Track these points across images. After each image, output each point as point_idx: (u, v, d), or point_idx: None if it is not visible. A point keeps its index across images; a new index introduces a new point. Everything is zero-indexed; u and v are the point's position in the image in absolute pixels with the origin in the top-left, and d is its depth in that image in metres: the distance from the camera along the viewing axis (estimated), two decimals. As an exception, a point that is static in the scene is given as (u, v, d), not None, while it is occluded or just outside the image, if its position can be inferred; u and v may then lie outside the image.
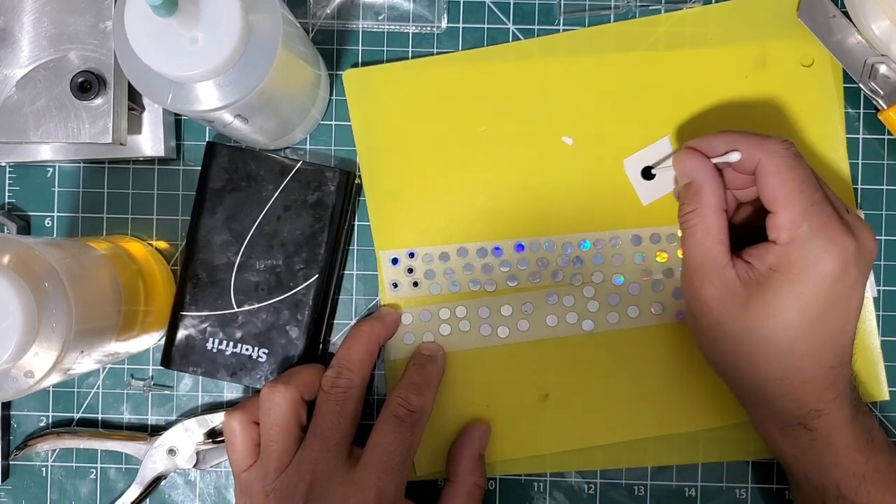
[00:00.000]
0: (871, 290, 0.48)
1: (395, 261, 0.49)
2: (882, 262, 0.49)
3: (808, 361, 0.41)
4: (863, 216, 0.47)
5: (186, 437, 0.49)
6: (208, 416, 0.49)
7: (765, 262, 0.41)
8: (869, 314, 0.49)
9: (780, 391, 0.41)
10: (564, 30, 0.49)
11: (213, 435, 0.49)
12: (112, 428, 0.50)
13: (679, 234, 0.48)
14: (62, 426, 0.50)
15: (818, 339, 0.41)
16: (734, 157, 0.42)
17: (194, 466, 0.49)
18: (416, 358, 0.47)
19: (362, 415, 0.46)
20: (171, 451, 0.49)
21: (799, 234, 0.40)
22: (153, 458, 0.49)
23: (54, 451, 0.50)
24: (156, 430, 0.50)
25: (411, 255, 0.49)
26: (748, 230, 0.44)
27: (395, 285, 0.49)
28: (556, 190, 0.49)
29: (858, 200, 0.49)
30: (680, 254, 0.48)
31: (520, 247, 0.49)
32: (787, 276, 0.40)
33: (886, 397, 0.49)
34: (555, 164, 0.49)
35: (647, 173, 0.48)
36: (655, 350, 0.48)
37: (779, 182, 0.40)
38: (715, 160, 0.43)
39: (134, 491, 0.49)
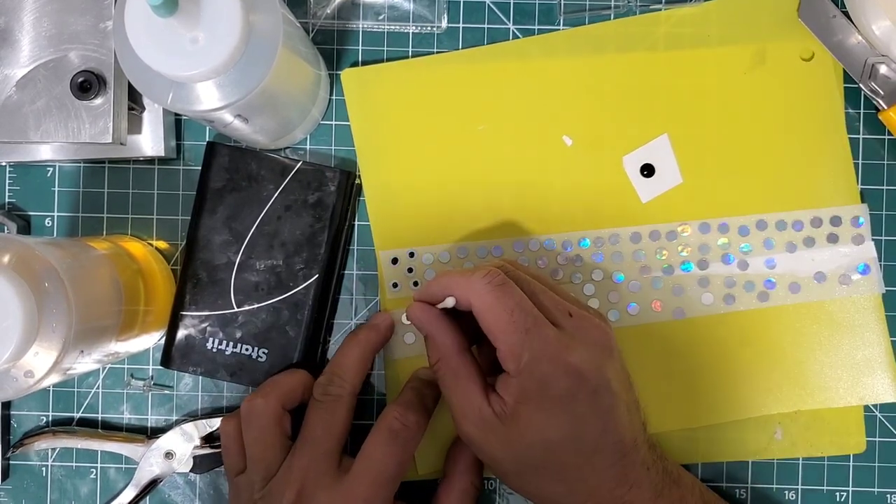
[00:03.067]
0: (880, 288, 0.48)
1: (395, 261, 0.49)
2: (884, 263, 0.49)
3: (585, 471, 0.41)
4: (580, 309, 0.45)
5: (183, 440, 0.49)
6: (206, 421, 0.49)
7: (510, 395, 0.41)
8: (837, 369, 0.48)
9: (580, 499, 0.41)
10: (564, 30, 0.49)
11: (210, 440, 0.49)
12: (112, 427, 0.50)
13: (679, 231, 0.48)
14: (62, 426, 0.50)
15: (587, 448, 0.41)
16: (450, 302, 0.42)
17: (191, 470, 0.49)
18: (413, 381, 0.47)
19: (358, 414, 0.46)
20: (168, 455, 0.49)
21: (524, 366, 0.40)
22: (150, 460, 0.49)
23: (53, 450, 0.50)
24: (156, 431, 0.50)
25: (411, 254, 0.49)
26: None
27: (396, 285, 0.49)
28: (556, 188, 0.49)
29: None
30: (681, 250, 0.48)
31: (519, 245, 0.49)
32: (529, 405, 0.40)
33: (863, 449, 0.49)
34: (554, 162, 0.49)
35: (646, 171, 0.48)
36: (655, 347, 0.48)
37: (490, 318, 0.41)
38: (439, 306, 0.43)
39: (129, 493, 0.49)
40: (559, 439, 0.40)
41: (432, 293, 0.43)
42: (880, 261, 0.49)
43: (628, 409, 0.42)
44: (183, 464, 0.49)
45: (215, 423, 0.49)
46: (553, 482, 0.41)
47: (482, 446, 0.42)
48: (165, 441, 0.49)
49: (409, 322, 0.44)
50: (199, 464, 0.49)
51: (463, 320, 0.43)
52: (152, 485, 0.49)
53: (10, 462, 0.50)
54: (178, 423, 0.50)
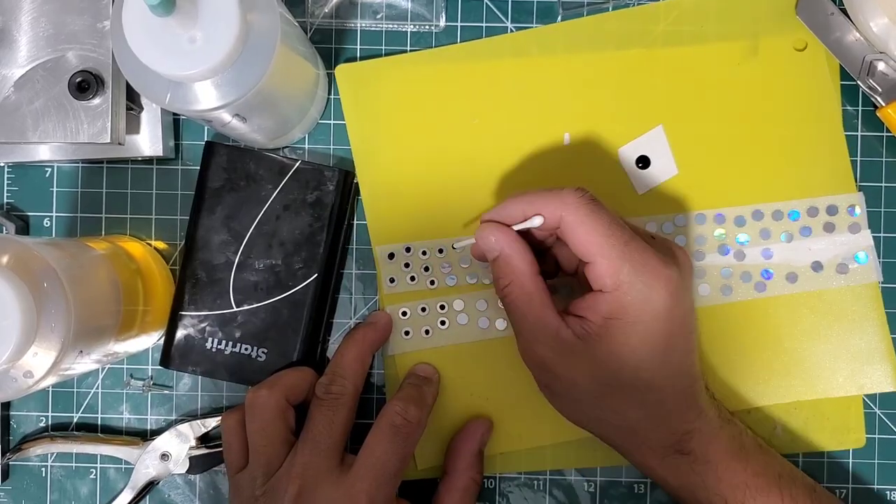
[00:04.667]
0: (877, 275, 0.48)
1: (391, 256, 0.49)
2: (882, 260, 0.49)
3: (667, 392, 0.41)
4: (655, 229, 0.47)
5: (179, 441, 0.49)
6: (201, 421, 0.49)
7: (598, 313, 0.40)
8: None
9: (650, 427, 0.42)
10: (561, 23, 0.49)
11: (206, 440, 0.49)
12: (112, 427, 0.50)
13: (676, 222, 0.48)
14: (61, 426, 0.50)
15: (671, 368, 0.41)
16: (537, 221, 0.41)
17: (187, 472, 0.49)
18: (412, 377, 0.47)
19: (359, 413, 0.46)
20: (164, 456, 0.49)
21: (622, 279, 0.40)
22: (146, 462, 0.49)
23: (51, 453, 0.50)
24: (155, 432, 0.50)
25: (408, 249, 0.49)
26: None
27: (392, 280, 0.49)
28: (551, 181, 0.49)
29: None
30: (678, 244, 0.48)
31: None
32: (624, 320, 0.40)
33: (863, 444, 0.49)
34: (549, 155, 0.49)
35: (642, 162, 0.48)
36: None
37: (587, 232, 0.40)
38: (519, 227, 0.42)
39: (127, 496, 0.49)
40: (650, 357, 0.40)
41: (510, 213, 0.42)
42: (880, 257, 0.49)
43: (696, 339, 0.42)
44: (179, 465, 0.49)
45: (211, 423, 0.49)
46: (633, 405, 0.41)
47: (558, 370, 0.41)
48: (161, 443, 0.49)
49: (458, 248, 0.43)
50: (196, 464, 0.49)
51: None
52: (150, 486, 0.49)
53: (10, 462, 0.50)
54: (173, 424, 0.49)
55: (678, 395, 0.42)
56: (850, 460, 0.49)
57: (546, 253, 0.45)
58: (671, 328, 0.40)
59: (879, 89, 0.47)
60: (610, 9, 0.49)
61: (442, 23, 0.49)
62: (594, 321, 0.40)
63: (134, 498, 0.49)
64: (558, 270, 0.45)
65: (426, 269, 0.49)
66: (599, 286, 0.40)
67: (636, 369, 0.40)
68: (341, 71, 0.49)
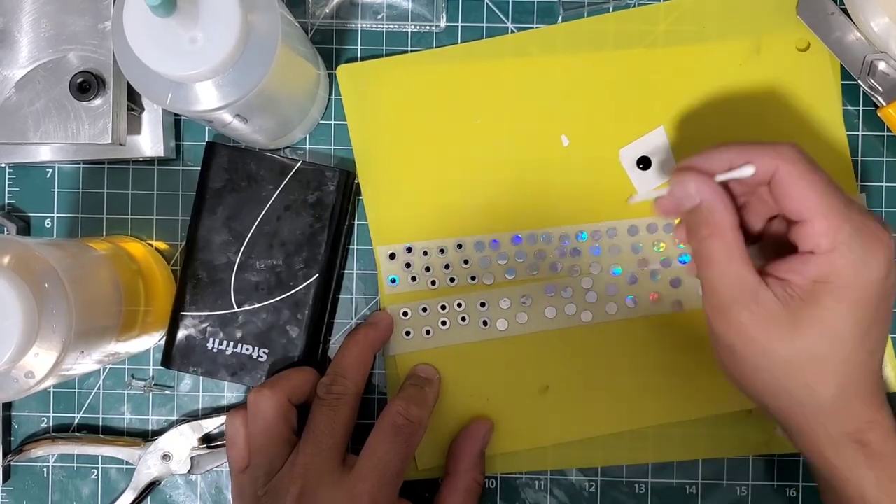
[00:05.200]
0: None
1: (392, 256, 0.49)
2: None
3: (861, 371, 0.38)
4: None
5: (181, 442, 0.49)
6: (203, 422, 0.49)
7: (805, 276, 0.38)
8: None
9: (835, 408, 0.39)
10: (562, 24, 0.49)
11: (208, 440, 0.49)
12: (113, 428, 0.50)
13: (676, 223, 0.48)
14: (63, 427, 0.50)
15: (870, 346, 0.38)
16: (748, 170, 0.38)
17: (188, 472, 0.49)
18: (413, 378, 0.47)
19: (360, 414, 0.46)
20: (166, 457, 0.49)
21: (841, 240, 0.37)
22: (147, 463, 0.49)
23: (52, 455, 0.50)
24: (157, 432, 0.50)
25: (409, 249, 0.49)
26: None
27: (394, 280, 0.49)
28: (553, 181, 0.49)
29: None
30: (680, 243, 0.48)
31: (517, 239, 0.49)
32: (836, 285, 0.37)
33: None
34: (551, 156, 0.49)
35: (643, 163, 0.48)
36: (654, 340, 0.48)
37: (805, 187, 0.38)
38: (723, 177, 0.39)
39: (128, 496, 0.49)
40: (855, 328, 0.37)
41: (715, 161, 0.39)
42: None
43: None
44: (181, 465, 0.49)
45: (212, 423, 0.49)
46: (828, 379, 0.38)
47: (753, 333, 0.38)
48: (162, 443, 0.49)
49: (633, 202, 0.41)
50: (198, 465, 0.49)
51: None
52: (152, 487, 0.49)
53: (12, 463, 0.50)
54: (174, 424, 0.49)
55: (869, 375, 0.39)
56: (852, 460, 0.49)
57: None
58: (880, 300, 0.37)
59: (880, 89, 0.47)
60: (611, 9, 0.49)
61: (443, 23, 0.49)
62: (800, 284, 0.38)
63: (136, 498, 0.49)
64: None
65: (427, 269, 0.49)
66: (812, 246, 0.37)
67: (840, 339, 0.37)
68: (343, 71, 0.49)
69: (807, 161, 0.38)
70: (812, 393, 0.39)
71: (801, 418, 0.40)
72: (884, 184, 0.49)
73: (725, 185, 0.40)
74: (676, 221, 0.48)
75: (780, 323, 0.38)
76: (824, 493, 0.41)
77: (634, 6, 0.49)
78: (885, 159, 0.49)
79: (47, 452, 0.49)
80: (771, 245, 0.42)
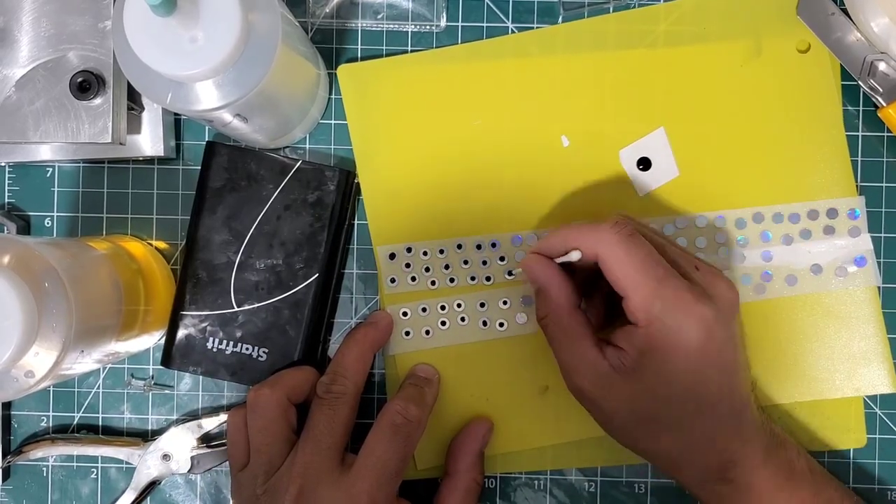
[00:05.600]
0: (876, 280, 0.48)
1: (392, 256, 0.49)
2: (882, 260, 0.49)
3: (704, 423, 0.41)
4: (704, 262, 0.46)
5: (181, 442, 0.49)
6: (202, 421, 0.49)
7: (632, 346, 0.41)
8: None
9: (688, 456, 0.42)
10: (563, 24, 0.49)
11: (208, 440, 0.49)
12: (113, 427, 0.50)
13: (677, 223, 0.48)
14: (63, 426, 0.50)
15: (707, 401, 0.41)
16: (575, 256, 0.42)
17: (189, 471, 0.49)
18: (412, 378, 0.47)
19: (359, 413, 0.46)
20: (166, 457, 0.49)
21: (654, 315, 0.40)
22: (147, 463, 0.49)
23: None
24: (156, 431, 0.50)
25: (409, 249, 0.49)
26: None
27: (393, 280, 0.49)
28: (553, 182, 0.49)
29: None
30: (678, 243, 0.48)
31: (517, 239, 0.49)
32: (655, 356, 0.40)
33: (864, 444, 0.49)
34: (551, 156, 0.49)
35: (643, 164, 0.48)
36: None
37: (620, 268, 0.41)
38: (560, 260, 0.43)
39: (129, 496, 0.49)
40: (683, 391, 0.41)
41: (552, 246, 0.43)
42: (880, 258, 0.49)
43: (743, 367, 0.43)
44: (181, 465, 0.49)
45: (211, 422, 0.49)
46: (669, 435, 0.42)
47: (596, 400, 0.42)
48: (162, 443, 0.49)
49: (515, 274, 0.45)
50: (198, 464, 0.49)
51: (571, 275, 0.44)
52: (152, 486, 0.49)
53: (11, 462, 0.50)
54: (174, 424, 0.49)
55: (717, 425, 0.42)
56: (851, 460, 0.49)
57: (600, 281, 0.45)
58: (704, 363, 0.41)
59: (880, 89, 0.47)
60: (611, 9, 0.49)
61: (443, 23, 0.49)
62: (630, 353, 0.41)
63: (136, 498, 0.49)
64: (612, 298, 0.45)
65: (427, 269, 0.49)
66: (633, 320, 0.41)
67: (669, 402, 0.41)
68: (343, 71, 0.49)
69: (625, 242, 0.41)
70: (662, 446, 0.42)
71: (664, 466, 0.44)
72: (884, 184, 0.49)
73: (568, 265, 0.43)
74: (677, 222, 0.48)
75: (618, 389, 0.41)
76: None
77: (635, 6, 0.49)
78: (885, 160, 0.49)
79: (46, 454, 0.49)
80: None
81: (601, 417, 0.43)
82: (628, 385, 0.41)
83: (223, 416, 0.49)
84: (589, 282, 0.45)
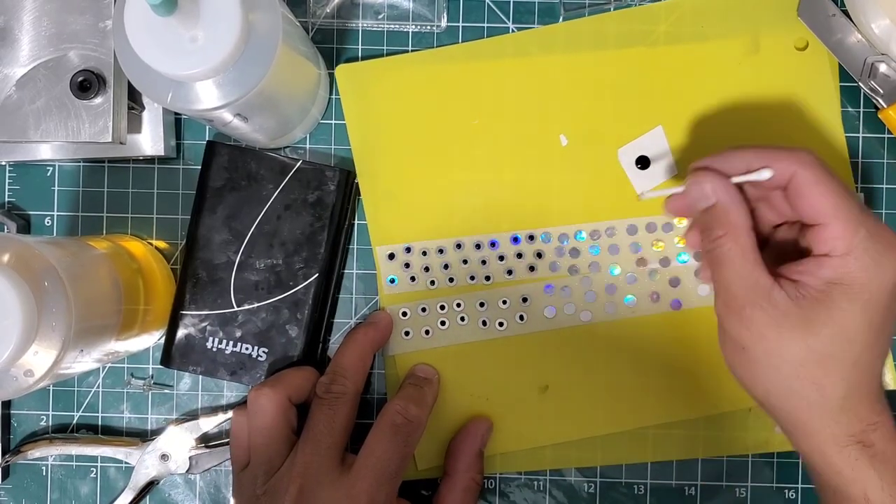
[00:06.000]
0: None
1: (391, 256, 0.49)
2: (882, 261, 0.49)
3: (868, 373, 0.39)
4: None
5: (178, 442, 0.49)
6: (201, 421, 0.49)
7: (819, 277, 0.38)
8: None
9: (842, 408, 0.39)
10: (562, 23, 0.49)
11: (206, 440, 0.49)
12: (112, 426, 0.50)
13: (675, 222, 0.48)
14: (62, 425, 0.50)
15: (880, 348, 0.39)
16: (765, 174, 0.39)
17: (187, 471, 0.49)
18: (412, 378, 0.47)
19: (359, 414, 0.46)
20: (164, 457, 0.49)
21: (856, 243, 0.38)
22: (146, 463, 0.49)
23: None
24: (156, 431, 0.50)
25: (408, 249, 0.49)
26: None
27: (393, 280, 0.49)
28: (552, 181, 0.49)
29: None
30: (678, 242, 0.48)
31: (516, 239, 0.49)
32: (850, 287, 0.38)
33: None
34: (550, 155, 0.49)
35: (641, 163, 0.48)
36: (653, 339, 0.48)
37: (823, 192, 0.38)
38: (740, 179, 0.40)
39: (127, 496, 0.49)
40: (867, 330, 0.38)
41: (732, 163, 0.40)
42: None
43: None
44: (179, 465, 0.49)
45: (210, 422, 0.49)
46: (838, 379, 0.39)
47: (765, 332, 0.39)
48: (160, 443, 0.49)
49: (666, 193, 0.42)
50: (196, 464, 0.49)
51: None
52: (150, 486, 0.49)
53: (10, 462, 0.50)
54: (172, 423, 0.49)
55: (875, 378, 0.39)
56: (851, 462, 0.49)
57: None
58: (891, 306, 0.38)
59: (881, 91, 0.47)
60: (611, 10, 0.49)
61: (443, 23, 0.49)
62: (813, 285, 0.38)
63: (134, 498, 0.49)
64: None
65: (426, 269, 0.49)
66: (828, 249, 0.38)
67: (852, 341, 0.38)
68: (341, 71, 0.49)
69: (823, 167, 0.39)
70: (821, 393, 0.39)
71: (806, 418, 0.40)
72: (884, 186, 0.49)
73: (739, 188, 0.40)
74: (677, 221, 0.48)
75: (792, 322, 0.38)
76: (823, 495, 0.41)
77: (636, 6, 0.49)
78: (885, 161, 0.49)
79: (45, 453, 0.49)
80: (775, 252, 0.42)
81: (761, 354, 0.39)
82: (807, 319, 0.38)
83: (221, 416, 0.49)
84: None
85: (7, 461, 0.49)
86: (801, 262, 0.40)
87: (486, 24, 0.49)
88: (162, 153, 0.48)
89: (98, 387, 0.50)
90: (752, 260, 0.39)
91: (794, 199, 0.40)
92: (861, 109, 0.49)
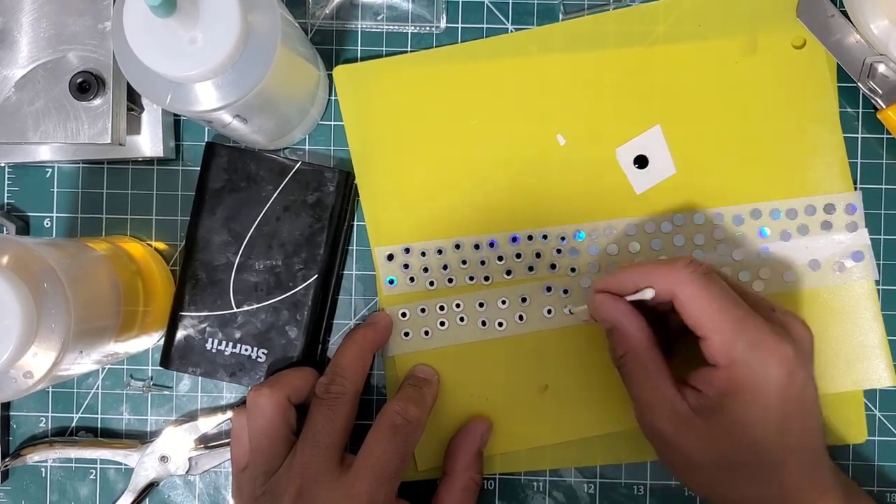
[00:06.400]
0: (874, 274, 0.48)
1: (390, 257, 0.49)
2: (882, 262, 0.49)
3: (783, 472, 0.40)
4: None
5: (177, 443, 0.49)
6: (199, 422, 0.49)
7: (713, 388, 0.40)
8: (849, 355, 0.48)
9: (772, 502, 0.41)
10: (561, 23, 0.49)
11: (205, 441, 0.49)
12: (112, 427, 0.50)
13: (675, 220, 0.48)
14: (62, 427, 0.50)
15: (788, 447, 0.40)
16: (648, 294, 0.41)
17: (186, 473, 0.49)
18: (412, 378, 0.47)
19: (359, 414, 0.46)
20: (163, 459, 0.49)
21: (736, 356, 0.39)
22: (145, 465, 0.49)
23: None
24: (155, 433, 0.50)
25: (406, 250, 0.49)
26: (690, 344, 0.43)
27: (392, 281, 0.49)
28: (550, 181, 0.49)
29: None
30: (677, 241, 0.48)
31: (515, 239, 0.49)
32: (738, 398, 0.39)
33: (864, 439, 0.49)
34: (548, 155, 0.49)
35: (640, 162, 0.49)
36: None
37: (699, 308, 0.40)
38: (631, 298, 0.42)
39: (127, 498, 0.49)
40: (765, 435, 0.39)
41: (622, 284, 0.42)
42: (879, 259, 0.49)
43: (821, 412, 0.42)
44: (178, 467, 0.49)
45: (208, 423, 0.49)
46: (749, 482, 0.40)
47: (674, 441, 0.41)
48: (159, 444, 0.49)
49: (585, 318, 0.44)
50: (195, 465, 0.49)
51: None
52: (150, 488, 0.49)
53: (9, 466, 0.50)
54: (171, 425, 0.49)
55: (797, 473, 0.40)
56: (850, 462, 0.49)
57: (668, 314, 0.44)
58: (787, 406, 0.40)
59: (880, 91, 0.47)
60: (610, 9, 0.49)
61: (443, 24, 0.49)
62: (710, 395, 0.40)
63: (134, 501, 0.49)
64: (684, 329, 0.43)
65: (425, 269, 0.49)
66: (713, 361, 0.40)
67: (751, 447, 0.40)
68: (339, 72, 0.49)
69: (702, 280, 0.40)
70: (740, 494, 0.41)
71: None
72: (883, 186, 0.49)
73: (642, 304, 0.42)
74: (677, 218, 0.48)
75: (696, 431, 0.40)
76: None
77: (635, 5, 0.49)
78: (884, 162, 0.49)
79: (44, 457, 0.49)
80: (692, 355, 0.43)
81: (677, 460, 0.42)
82: (708, 428, 0.40)
83: (219, 417, 0.49)
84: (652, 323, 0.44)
85: (6, 465, 0.49)
86: (699, 370, 0.41)
87: (485, 25, 0.49)
88: (161, 154, 0.48)
89: (97, 388, 0.50)
90: (653, 375, 0.41)
91: (680, 313, 0.41)
92: (860, 110, 0.49)
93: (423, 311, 0.49)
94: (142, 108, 0.47)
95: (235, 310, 0.47)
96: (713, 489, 0.42)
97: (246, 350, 0.47)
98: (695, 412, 0.40)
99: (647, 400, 0.41)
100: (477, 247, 0.49)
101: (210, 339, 0.47)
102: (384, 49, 0.50)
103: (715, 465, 0.41)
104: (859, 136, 0.49)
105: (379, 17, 0.49)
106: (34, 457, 0.49)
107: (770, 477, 0.40)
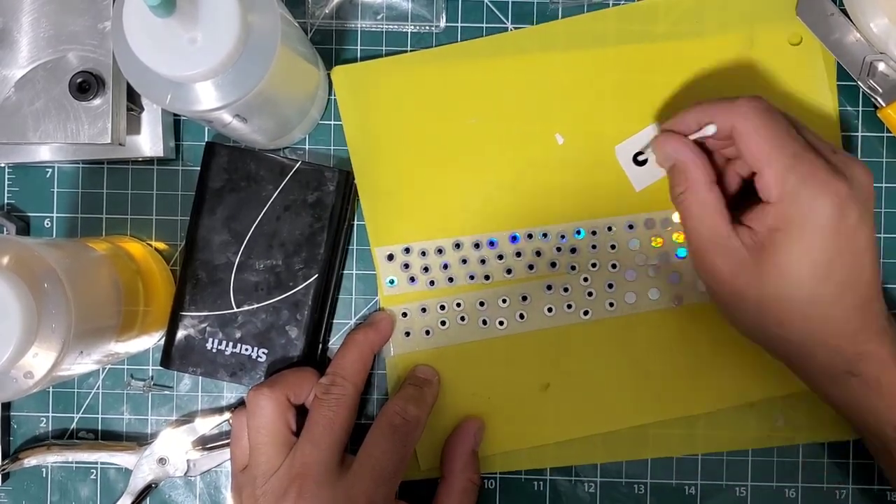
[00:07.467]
0: None
1: (390, 257, 0.49)
2: (883, 260, 0.49)
3: (832, 310, 0.40)
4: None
5: (176, 445, 0.49)
6: (196, 424, 0.49)
7: (764, 224, 0.40)
8: None
9: (815, 344, 0.41)
10: (559, 21, 0.49)
11: (203, 442, 0.49)
12: (112, 428, 0.50)
13: (674, 218, 0.48)
14: (62, 427, 0.50)
15: (835, 287, 0.40)
16: (710, 130, 0.42)
17: (185, 474, 0.49)
18: (412, 378, 0.47)
19: (359, 414, 0.46)
20: (162, 460, 0.49)
21: (787, 190, 0.40)
22: (143, 467, 0.49)
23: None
24: (155, 433, 0.50)
25: (407, 250, 0.49)
26: (747, 190, 0.44)
27: (392, 281, 0.49)
28: (550, 180, 0.49)
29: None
30: (676, 237, 0.48)
31: (515, 238, 0.49)
32: (787, 233, 0.40)
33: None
34: (548, 153, 0.49)
35: (639, 159, 0.49)
36: (654, 335, 0.49)
37: (756, 142, 0.40)
38: (694, 136, 0.43)
39: (125, 501, 0.49)
40: (812, 271, 0.40)
41: (685, 122, 0.43)
42: (880, 258, 0.49)
43: (875, 254, 0.41)
44: (177, 468, 0.49)
45: (206, 424, 0.49)
46: (796, 319, 0.41)
47: (727, 279, 0.41)
48: (158, 446, 0.49)
49: (646, 154, 0.45)
50: (194, 467, 0.49)
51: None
52: (149, 489, 0.49)
53: (8, 469, 0.50)
54: (168, 427, 0.49)
55: (846, 313, 0.40)
56: (850, 460, 0.49)
57: (728, 166, 0.45)
58: (837, 243, 0.40)
59: (880, 90, 0.47)
60: (610, 5, 0.49)
61: (442, 23, 0.49)
62: (760, 231, 0.41)
63: (133, 502, 0.49)
64: (742, 184, 0.45)
65: (425, 269, 0.49)
66: (766, 196, 0.40)
67: (798, 282, 0.40)
68: (337, 72, 0.49)
69: (762, 115, 0.41)
70: (787, 332, 0.41)
71: (790, 357, 0.43)
72: (883, 185, 0.49)
73: (703, 144, 0.43)
74: (676, 216, 0.48)
75: (746, 268, 0.41)
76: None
77: (635, 3, 0.49)
78: (884, 160, 0.49)
79: (43, 461, 0.49)
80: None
81: (729, 300, 0.42)
82: (758, 264, 0.40)
83: (217, 418, 0.49)
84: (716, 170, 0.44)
85: (4, 468, 0.49)
86: (753, 208, 0.41)
87: (484, 25, 0.49)
88: (161, 154, 0.48)
89: (98, 388, 0.50)
90: (710, 211, 0.42)
91: (739, 149, 0.41)
92: (860, 108, 0.49)
93: (423, 310, 0.49)
94: (142, 108, 0.47)
95: (236, 309, 0.47)
96: (761, 330, 0.42)
97: (246, 350, 0.47)
98: (748, 250, 0.41)
99: (702, 235, 0.42)
100: (477, 246, 0.49)
101: (210, 339, 0.47)
102: (384, 48, 0.50)
103: (762, 303, 0.41)
104: (859, 134, 0.49)
105: (378, 17, 0.49)
106: (32, 460, 0.49)
107: (817, 314, 0.40)
